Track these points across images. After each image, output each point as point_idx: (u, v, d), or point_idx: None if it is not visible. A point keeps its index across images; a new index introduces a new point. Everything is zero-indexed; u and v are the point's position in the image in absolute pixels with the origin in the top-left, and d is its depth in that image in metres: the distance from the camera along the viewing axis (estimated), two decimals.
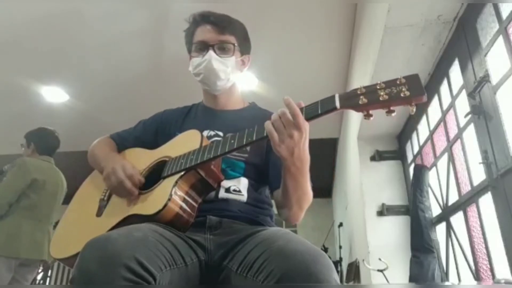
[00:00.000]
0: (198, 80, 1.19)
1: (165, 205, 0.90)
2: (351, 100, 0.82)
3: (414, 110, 0.78)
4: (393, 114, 0.81)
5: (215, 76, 1.15)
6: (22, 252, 2.49)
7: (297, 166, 0.90)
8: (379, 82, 0.81)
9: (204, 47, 1.16)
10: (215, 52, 1.14)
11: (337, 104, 0.82)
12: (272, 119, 0.87)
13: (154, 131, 1.25)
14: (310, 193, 1.00)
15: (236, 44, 1.18)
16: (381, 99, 0.78)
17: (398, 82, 0.78)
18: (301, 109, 0.86)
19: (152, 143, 1.20)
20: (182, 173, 0.97)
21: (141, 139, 1.24)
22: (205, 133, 1.13)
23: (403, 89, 0.77)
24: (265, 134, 0.89)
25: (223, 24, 1.17)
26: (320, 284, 0.71)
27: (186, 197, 0.96)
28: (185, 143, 1.06)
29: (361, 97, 0.80)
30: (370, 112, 0.81)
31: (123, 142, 1.25)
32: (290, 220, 1.05)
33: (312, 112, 0.85)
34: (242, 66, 1.23)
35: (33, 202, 2.59)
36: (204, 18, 1.18)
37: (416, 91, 0.76)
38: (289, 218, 1.05)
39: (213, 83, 1.17)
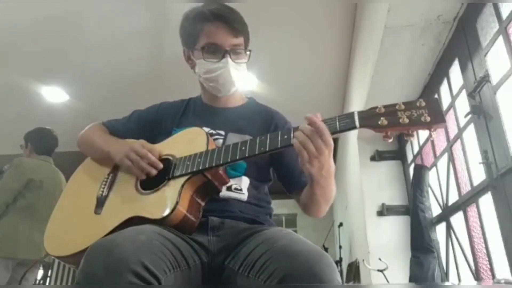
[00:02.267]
0: (210, 85, 1.14)
1: (173, 210, 0.89)
2: (370, 120, 0.80)
3: (434, 136, 0.77)
4: (411, 138, 0.80)
5: (231, 83, 1.12)
6: (19, 252, 2.49)
7: (326, 177, 0.90)
8: (398, 103, 0.79)
9: (217, 50, 1.09)
10: (231, 58, 1.09)
11: (357, 123, 0.81)
12: (301, 139, 0.84)
13: (149, 125, 1.21)
14: (334, 190, 1.01)
15: (245, 46, 1.14)
16: (401, 122, 0.77)
17: (418, 104, 0.77)
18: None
19: (146, 137, 1.15)
20: (189, 176, 0.95)
21: (135, 131, 1.20)
22: (206, 130, 1.10)
23: (424, 113, 0.76)
24: (279, 146, 0.88)
25: (236, 25, 1.10)
26: (324, 284, 0.71)
27: (193, 200, 0.95)
28: (189, 142, 1.04)
29: (381, 118, 0.79)
30: (389, 133, 0.80)
31: (116, 132, 1.22)
32: (317, 216, 1.06)
33: (331, 129, 0.83)
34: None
35: (30, 202, 2.59)
36: (215, 16, 1.09)
37: (437, 117, 0.75)
38: (317, 215, 1.06)
39: (227, 90, 1.14)
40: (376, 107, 0.81)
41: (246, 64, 1.15)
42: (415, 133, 0.80)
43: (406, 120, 0.76)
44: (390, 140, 0.80)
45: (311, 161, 0.84)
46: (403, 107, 0.78)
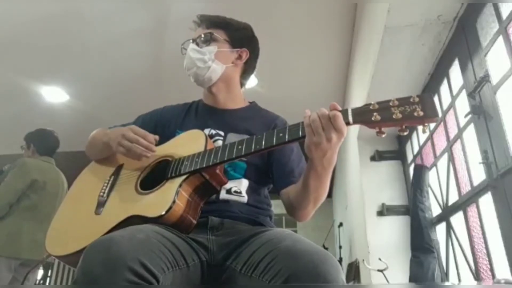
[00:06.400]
0: (187, 74, 1.21)
1: (170, 208, 0.90)
2: (363, 116, 0.81)
3: (427, 130, 0.78)
4: (405, 133, 0.80)
5: (193, 64, 1.17)
6: (23, 252, 2.49)
7: (325, 166, 0.90)
8: (392, 99, 0.80)
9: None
10: (196, 44, 1.19)
11: (350, 119, 0.82)
12: (311, 119, 0.84)
13: (153, 127, 1.22)
14: (327, 191, 1.00)
15: (215, 34, 1.19)
16: (394, 117, 0.77)
17: (411, 100, 0.78)
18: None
19: None
20: (187, 175, 0.96)
21: None
22: (206, 131, 1.13)
23: (417, 109, 0.76)
24: (274, 143, 0.88)
25: (206, 20, 1.21)
26: (328, 284, 0.71)
27: (190, 200, 0.96)
28: (188, 143, 1.05)
29: (374, 113, 0.79)
30: (383, 129, 0.80)
31: None
32: (301, 219, 1.06)
33: None
34: (237, 60, 1.22)
35: (34, 202, 2.59)
36: (194, 23, 1.24)
37: (429, 112, 0.76)
38: (301, 216, 1.05)
39: (194, 73, 1.18)
40: (370, 104, 0.81)
41: (214, 49, 1.18)
42: (408, 128, 0.81)
43: (399, 116, 0.77)
44: (384, 135, 0.81)
45: (318, 143, 0.84)
46: (396, 103, 0.79)
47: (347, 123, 0.82)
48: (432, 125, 2.57)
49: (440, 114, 0.77)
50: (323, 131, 0.83)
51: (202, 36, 1.18)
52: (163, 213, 0.89)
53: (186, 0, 2.79)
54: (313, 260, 0.74)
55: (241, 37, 1.23)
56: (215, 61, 1.17)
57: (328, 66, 3.71)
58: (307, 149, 0.87)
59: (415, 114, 0.76)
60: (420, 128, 0.78)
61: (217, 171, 0.99)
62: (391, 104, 0.79)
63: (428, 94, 0.79)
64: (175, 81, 3.72)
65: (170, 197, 0.92)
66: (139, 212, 0.94)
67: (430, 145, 2.66)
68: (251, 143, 0.92)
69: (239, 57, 1.22)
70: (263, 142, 0.90)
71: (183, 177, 0.96)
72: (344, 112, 0.83)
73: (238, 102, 1.25)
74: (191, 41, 1.21)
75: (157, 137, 1.05)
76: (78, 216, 1.09)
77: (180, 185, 0.94)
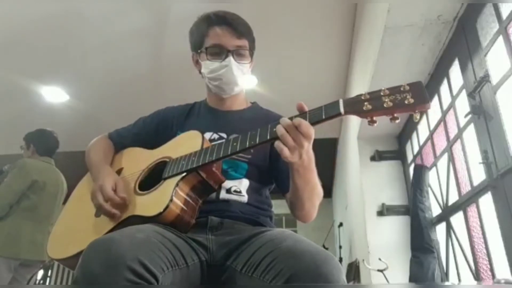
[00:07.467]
0: (214, 85, 1.17)
1: (167, 207, 0.90)
2: (355, 106, 0.82)
3: (418, 117, 0.79)
4: (397, 121, 0.81)
5: (234, 82, 1.15)
6: (22, 253, 2.49)
7: (305, 165, 0.90)
8: (383, 88, 0.81)
9: (221, 51, 1.13)
10: (234, 58, 1.13)
11: (341, 109, 0.82)
12: (279, 134, 0.84)
13: (155, 129, 1.23)
14: (320, 188, 1.00)
15: (249, 49, 1.18)
16: (385, 106, 0.79)
17: (402, 89, 0.79)
18: (305, 113, 0.86)
19: (152, 141, 1.18)
20: (183, 174, 0.96)
21: (140, 136, 1.23)
22: (209, 134, 1.13)
23: (407, 97, 0.77)
24: (268, 137, 0.89)
25: (240, 28, 1.15)
26: (330, 284, 0.71)
27: (187, 199, 0.96)
28: (185, 144, 1.05)
29: (365, 103, 0.80)
30: (374, 118, 0.81)
31: (121, 140, 1.24)
32: (305, 220, 1.06)
33: (316, 117, 0.85)
34: (249, 69, 1.22)
35: (34, 203, 2.59)
36: (219, 19, 1.15)
37: (420, 99, 0.77)
38: (303, 217, 1.05)
39: (231, 89, 1.17)
40: (362, 94, 0.82)
41: (249, 65, 1.19)
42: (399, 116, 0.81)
43: (390, 104, 0.78)
44: (375, 124, 0.82)
45: (291, 152, 0.84)
46: (387, 92, 0.80)
47: (339, 114, 0.82)
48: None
49: (430, 101, 0.78)
50: (294, 142, 0.83)
51: (241, 50, 1.15)
52: (161, 210, 0.90)
53: (186, 0, 2.79)
54: (315, 260, 0.74)
55: (254, 47, 1.23)
56: (247, 77, 1.19)
57: (328, 66, 3.71)
58: (284, 158, 0.87)
59: (406, 102, 0.77)
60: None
61: (214, 169, 0.99)
62: (382, 93, 0.81)
63: (419, 81, 0.80)
64: (175, 81, 3.73)
65: (167, 196, 0.93)
66: (137, 212, 0.95)
67: (430, 145, 2.66)
68: (246, 139, 0.92)
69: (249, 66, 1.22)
70: (257, 138, 0.90)
71: (180, 176, 0.96)
72: (336, 103, 0.83)
73: (241, 104, 1.25)
74: (230, 54, 1.13)
75: (124, 196, 0.99)
76: (79, 219, 1.10)
77: (177, 184, 0.95)
